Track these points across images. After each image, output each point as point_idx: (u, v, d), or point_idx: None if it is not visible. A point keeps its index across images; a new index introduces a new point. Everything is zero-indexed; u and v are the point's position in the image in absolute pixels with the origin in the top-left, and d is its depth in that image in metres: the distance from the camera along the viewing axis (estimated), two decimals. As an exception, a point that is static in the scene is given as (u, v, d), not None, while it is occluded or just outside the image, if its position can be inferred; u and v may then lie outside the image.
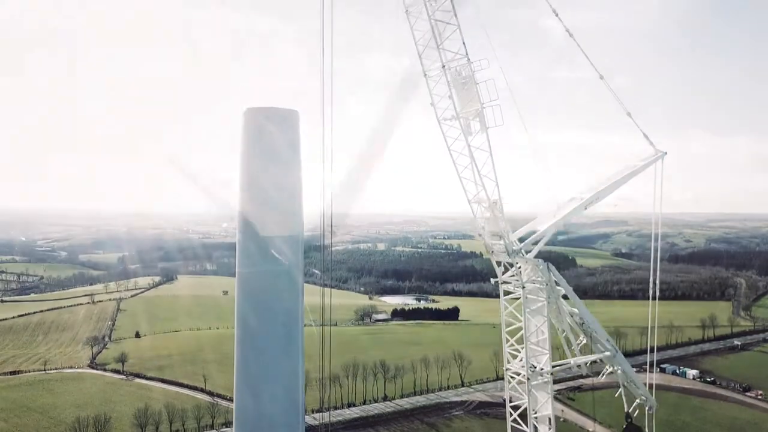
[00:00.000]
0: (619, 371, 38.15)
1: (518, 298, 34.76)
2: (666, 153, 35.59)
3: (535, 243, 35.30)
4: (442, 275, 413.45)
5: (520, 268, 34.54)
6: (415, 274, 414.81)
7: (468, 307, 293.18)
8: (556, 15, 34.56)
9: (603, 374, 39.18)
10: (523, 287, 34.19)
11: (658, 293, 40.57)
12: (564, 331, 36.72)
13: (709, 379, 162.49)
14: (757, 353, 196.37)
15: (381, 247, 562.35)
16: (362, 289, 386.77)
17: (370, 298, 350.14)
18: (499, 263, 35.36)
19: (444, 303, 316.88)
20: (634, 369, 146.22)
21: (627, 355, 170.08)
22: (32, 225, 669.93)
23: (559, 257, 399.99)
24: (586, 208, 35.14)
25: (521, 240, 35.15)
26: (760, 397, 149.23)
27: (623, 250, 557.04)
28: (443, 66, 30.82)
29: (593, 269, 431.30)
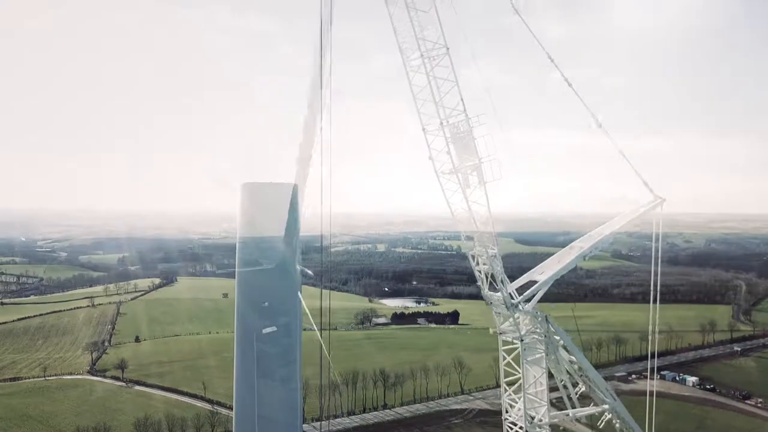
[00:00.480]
0: (617, 424, 38.09)
1: (517, 348, 34.73)
2: (665, 199, 35.51)
3: (534, 294, 35.22)
4: (441, 277, 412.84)
5: (518, 319, 34.55)
6: (414, 276, 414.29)
7: (468, 310, 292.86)
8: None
9: (602, 422, 39.13)
10: (522, 339, 34.22)
11: (659, 297, 40.13)
12: (562, 380, 36.67)
13: (708, 387, 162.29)
14: (756, 359, 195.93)
15: (381, 248, 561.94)
16: (362, 291, 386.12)
17: (370, 301, 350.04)
18: (498, 313, 35.35)
19: (444, 306, 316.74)
20: (634, 375, 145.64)
21: (627, 361, 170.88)
22: (32, 225, 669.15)
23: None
24: (585, 258, 35.17)
25: (519, 291, 35.10)
26: (759, 405, 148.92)
27: (623, 252, 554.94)
28: (441, 123, 30.76)
29: (593, 271, 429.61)
